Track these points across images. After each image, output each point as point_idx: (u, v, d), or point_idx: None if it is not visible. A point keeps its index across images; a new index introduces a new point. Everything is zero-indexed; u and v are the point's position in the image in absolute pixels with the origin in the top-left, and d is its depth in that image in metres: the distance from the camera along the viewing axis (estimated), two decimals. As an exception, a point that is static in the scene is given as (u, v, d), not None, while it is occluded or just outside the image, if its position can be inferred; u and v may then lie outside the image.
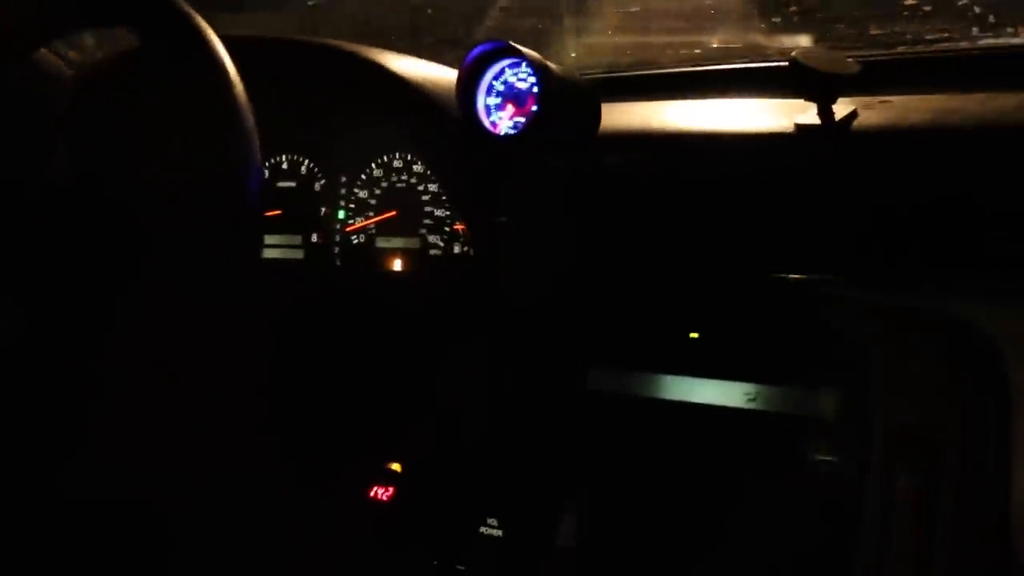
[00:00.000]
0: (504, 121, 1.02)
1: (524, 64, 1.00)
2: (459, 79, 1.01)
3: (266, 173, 1.31)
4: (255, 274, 1.21)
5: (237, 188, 0.88)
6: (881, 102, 1.03)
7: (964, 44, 1.15)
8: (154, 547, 1.08)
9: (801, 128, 1.03)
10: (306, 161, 1.29)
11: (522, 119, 1.00)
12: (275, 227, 1.30)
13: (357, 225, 1.26)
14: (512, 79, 1.02)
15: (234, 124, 0.90)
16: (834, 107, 1.01)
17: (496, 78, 1.03)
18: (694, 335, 0.96)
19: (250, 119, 0.90)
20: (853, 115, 1.02)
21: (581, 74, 1.39)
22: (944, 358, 0.85)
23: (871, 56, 1.12)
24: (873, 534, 0.84)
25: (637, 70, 1.29)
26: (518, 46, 0.96)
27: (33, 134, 1.04)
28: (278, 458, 1.06)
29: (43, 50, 1.10)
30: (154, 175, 0.99)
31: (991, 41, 1.14)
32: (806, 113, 1.03)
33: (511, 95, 1.02)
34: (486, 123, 1.01)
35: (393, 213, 1.24)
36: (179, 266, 0.94)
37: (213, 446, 1.04)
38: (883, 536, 0.83)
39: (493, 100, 1.03)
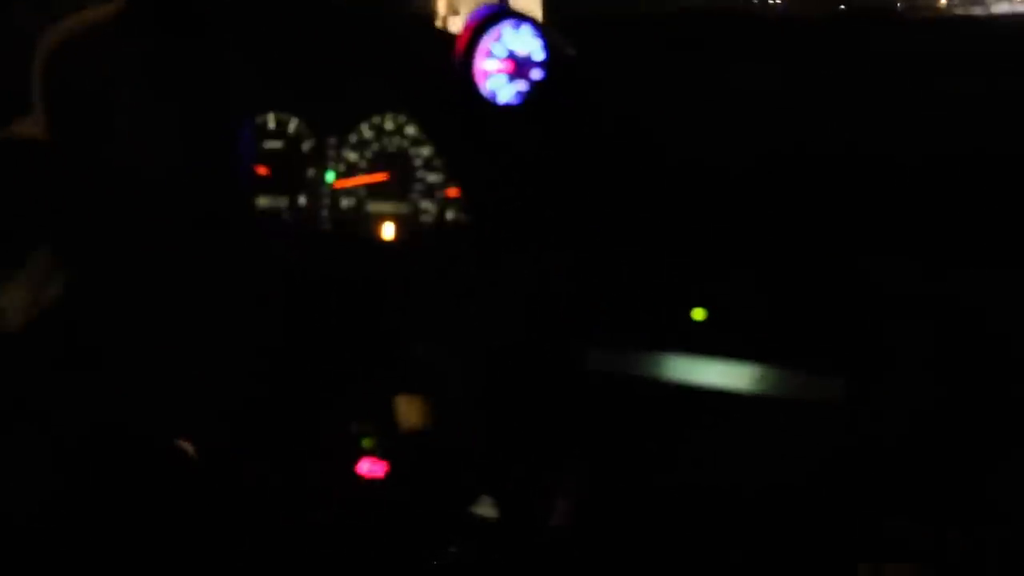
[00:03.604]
0: (503, 88, 0.98)
1: (526, 29, 0.96)
2: (458, 43, 0.97)
3: (254, 132, 1.27)
4: (247, 236, 1.18)
5: (227, 147, 0.85)
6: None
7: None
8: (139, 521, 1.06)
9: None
10: (294, 120, 1.25)
11: (523, 86, 0.96)
12: (262, 188, 1.26)
13: (346, 185, 1.21)
14: (513, 45, 0.98)
15: (222, 82, 0.86)
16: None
17: (496, 43, 0.99)
18: (699, 314, 0.93)
19: (239, 75, 0.86)
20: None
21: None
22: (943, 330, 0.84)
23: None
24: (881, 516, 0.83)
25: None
26: (522, 12, 0.93)
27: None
28: (268, 434, 1.03)
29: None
30: (138, 135, 0.95)
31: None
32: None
33: (511, 61, 0.98)
34: (485, 91, 0.97)
35: (384, 176, 1.20)
36: (167, 228, 0.91)
37: (200, 417, 1.01)
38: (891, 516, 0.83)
39: (492, 65, 0.99)
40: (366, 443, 1.00)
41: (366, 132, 1.20)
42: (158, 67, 0.94)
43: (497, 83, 0.97)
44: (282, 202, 1.25)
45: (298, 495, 1.00)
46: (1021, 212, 0.87)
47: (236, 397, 1.05)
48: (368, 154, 1.20)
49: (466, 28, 0.97)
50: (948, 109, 0.91)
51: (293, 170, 1.24)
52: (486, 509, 0.96)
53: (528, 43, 0.96)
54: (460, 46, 0.97)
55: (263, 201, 1.24)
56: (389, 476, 0.98)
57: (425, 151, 1.17)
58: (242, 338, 1.07)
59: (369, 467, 1.00)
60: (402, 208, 1.18)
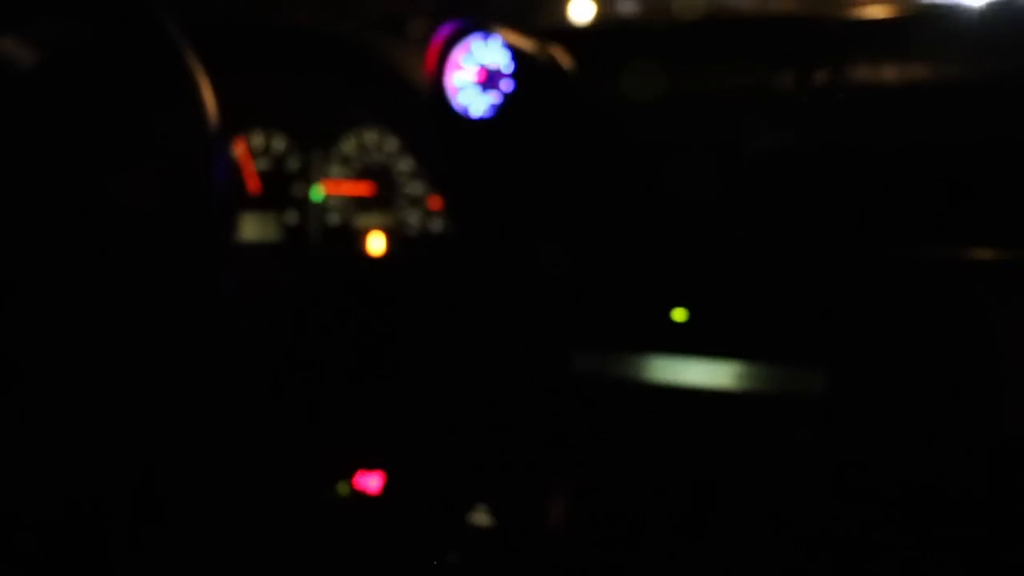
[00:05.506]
0: (476, 101, 0.98)
1: (495, 41, 0.96)
2: (429, 57, 0.98)
3: (238, 153, 1.28)
4: (232, 258, 1.19)
5: (205, 176, 0.86)
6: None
7: None
8: (141, 542, 1.07)
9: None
10: (278, 139, 1.26)
11: (495, 98, 0.97)
12: (248, 206, 1.27)
13: (331, 201, 1.23)
14: (483, 58, 0.98)
15: (196, 112, 0.88)
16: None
17: (466, 55, 0.99)
18: (681, 314, 0.94)
19: (211, 103, 0.87)
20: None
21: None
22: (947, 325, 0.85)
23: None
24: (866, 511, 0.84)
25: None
26: (488, 21, 0.93)
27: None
28: (261, 454, 1.05)
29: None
30: (114, 169, 0.95)
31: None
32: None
33: (482, 73, 0.98)
34: (456, 105, 0.97)
35: (368, 190, 1.21)
36: (151, 259, 0.91)
37: (190, 441, 1.02)
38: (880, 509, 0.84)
39: (463, 78, 0.99)
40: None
41: (348, 147, 1.22)
42: (136, 90, 0.95)
43: (469, 97, 0.98)
44: (268, 220, 1.26)
45: (292, 511, 1.02)
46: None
47: (228, 418, 1.06)
48: (352, 169, 1.21)
49: (436, 42, 0.97)
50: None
51: (278, 188, 1.26)
52: (481, 517, 0.97)
53: (498, 55, 0.97)
54: (431, 61, 0.97)
55: (250, 221, 1.25)
56: (384, 491, 1.00)
57: (406, 164, 1.18)
58: (231, 360, 1.08)
59: (365, 481, 1.01)
60: (387, 221, 1.19)
